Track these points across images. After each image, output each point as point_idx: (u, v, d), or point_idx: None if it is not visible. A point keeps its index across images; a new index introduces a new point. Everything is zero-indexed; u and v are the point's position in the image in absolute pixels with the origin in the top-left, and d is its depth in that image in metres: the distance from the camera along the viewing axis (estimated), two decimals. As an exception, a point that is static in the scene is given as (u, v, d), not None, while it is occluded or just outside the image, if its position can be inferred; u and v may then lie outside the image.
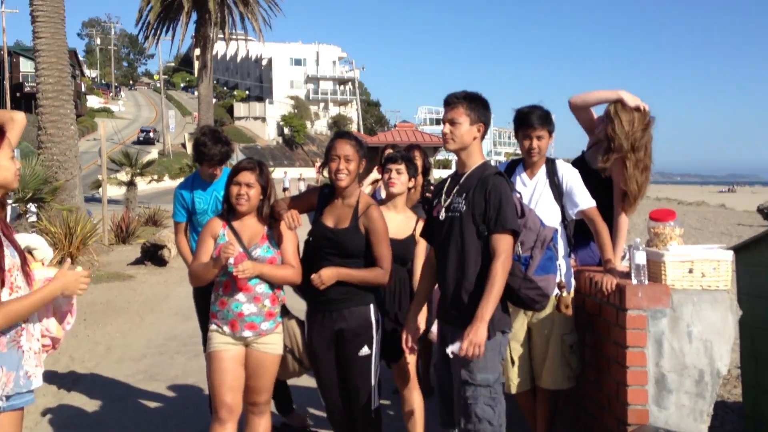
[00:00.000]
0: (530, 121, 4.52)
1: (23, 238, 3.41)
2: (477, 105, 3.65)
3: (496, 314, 3.50)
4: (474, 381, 3.52)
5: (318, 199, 4.27)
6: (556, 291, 4.19)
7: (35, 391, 3.19)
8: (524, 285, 3.54)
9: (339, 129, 71.83)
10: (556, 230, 3.73)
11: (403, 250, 4.45)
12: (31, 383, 3.07)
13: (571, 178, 4.58)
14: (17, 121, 3.25)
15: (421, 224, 4.40)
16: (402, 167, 4.58)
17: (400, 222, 4.52)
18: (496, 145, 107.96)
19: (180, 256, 5.60)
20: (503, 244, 3.46)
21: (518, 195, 3.79)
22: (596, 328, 4.50)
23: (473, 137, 3.66)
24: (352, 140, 4.16)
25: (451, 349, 3.55)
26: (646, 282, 4.13)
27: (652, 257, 4.23)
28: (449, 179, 3.84)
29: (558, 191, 4.57)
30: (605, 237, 4.50)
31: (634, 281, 4.12)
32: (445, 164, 67.04)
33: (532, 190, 4.61)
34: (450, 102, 3.69)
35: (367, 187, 5.86)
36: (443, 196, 3.76)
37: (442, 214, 3.70)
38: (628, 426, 4.09)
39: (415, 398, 4.57)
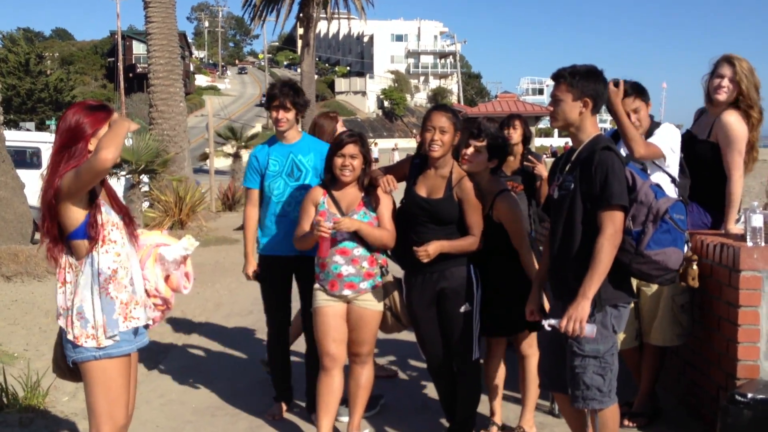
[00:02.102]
0: (623, 96, 4.41)
1: (178, 248, 3.55)
2: (581, 80, 3.50)
3: (606, 289, 3.44)
4: (582, 351, 3.49)
5: (409, 169, 4.36)
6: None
7: (149, 343, 3.40)
8: (635, 260, 3.42)
9: (438, 101, 71.57)
10: (679, 202, 3.49)
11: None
12: (125, 325, 3.21)
13: (656, 136, 4.45)
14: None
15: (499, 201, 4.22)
16: (483, 145, 4.21)
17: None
18: (601, 113, 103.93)
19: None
20: (609, 220, 3.37)
21: (640, 166, 3.64)
22: (707, 288, 4.48)
23: (578, 113, 3.52)
24: (448, 113, 4.20)
25: (549, 322, 3.52)
26: (763, 244, 4.10)
27: None
28: (564, 156, 3.76)
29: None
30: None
31: (750, 243, 4.10)
32: (547, 133, 65.84)
33: None
34: (553, 78, 3.61)
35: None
36: (557, 173, 3.69)
37: (556, 193, 3.66)
38: (737, 380, 4.09)
39: (529, 365, 4.51)
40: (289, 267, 4.87)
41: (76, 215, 3.14)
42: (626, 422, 4.59)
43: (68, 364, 3.28)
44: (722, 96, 4.65)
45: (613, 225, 3.36)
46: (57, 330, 3.34)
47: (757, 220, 4.08)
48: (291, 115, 4.82)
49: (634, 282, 4.48)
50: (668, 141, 4.47)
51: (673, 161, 4.50)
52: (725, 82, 4.63)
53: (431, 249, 4.06)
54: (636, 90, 4.44)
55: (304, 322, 4.94)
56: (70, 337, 3.18)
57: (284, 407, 5.09)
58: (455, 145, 4.21)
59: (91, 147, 3.15)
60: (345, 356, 4.37)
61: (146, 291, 3.41)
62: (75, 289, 3.19)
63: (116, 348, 3.22)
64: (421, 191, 4.24)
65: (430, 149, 4.14)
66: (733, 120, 4.60)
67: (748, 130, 4.63)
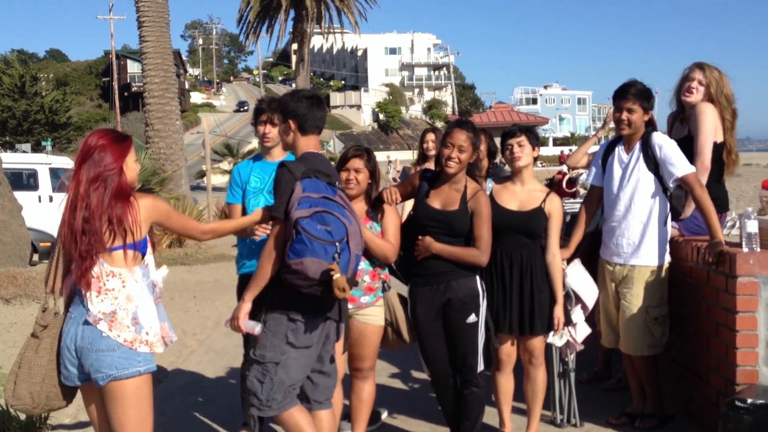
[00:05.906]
0: (624, 93, 4.53)
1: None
2: (280, 105, 3.76)
3: (277, 299, 3.54)
4: (253, 355, 3.59)
5: (420, 182, 4.40)
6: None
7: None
8: (283, 270, 3.44)
9: (433, 113, 71.24)
10: (320, 213, 3.39)
11: (528, 221, 4.36)
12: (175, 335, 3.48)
13: (666, 146, 4.52)
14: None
15: (551, 198, 4.39)
16: (522, 139, 4.42)
17: (525, 195, 4.42)
18: (595, 121, 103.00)
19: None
20: (272, 231, 3.54)
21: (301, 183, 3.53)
22: (704, 294, 4.51)
23: (289, 135, 3.72)
24: (469, 131, 4.24)
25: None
26: (758, 250, 4.12)
27: (766, 225, 4.17)
28: None
29: (654, 163, 4.52)
30: (708, 208, 4.37)
31: (745, 249, 4.12)
32: (542, 143, 65.78)
33: (626, 165, 4.62)
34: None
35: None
36: None
37: None
38: (737, 385, 4.10)
39: (540, 375, 4.53)
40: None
41: (146, 230, 3.35)
42: (637, 423, 4.72)
43: (62, 382, 3.30)
44: (691, 97, 4.84)
45: (272, 235, 3.52)
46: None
47: (752, 226, 4.11)
48: (278, 130, 4.66)
49: (614, 286, 4.70)
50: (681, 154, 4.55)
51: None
52: (695, 84, 4.82)
53: (426, 241, 4.16)
54: (638, 94, 4.52)
55: None
56: (120, 340, 3.18)
57: None
58: (471, 162, 4.27)
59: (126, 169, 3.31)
60: (341, 371, 4.31)
61: None
62: (128, 294, 3.23)
63: (151, 364, 3.31)
64: (435, 203, 4.26)
65: (446, 165, 4.20)
66: (707, 108, 4.76)
67: (720, 124, 4.78)
